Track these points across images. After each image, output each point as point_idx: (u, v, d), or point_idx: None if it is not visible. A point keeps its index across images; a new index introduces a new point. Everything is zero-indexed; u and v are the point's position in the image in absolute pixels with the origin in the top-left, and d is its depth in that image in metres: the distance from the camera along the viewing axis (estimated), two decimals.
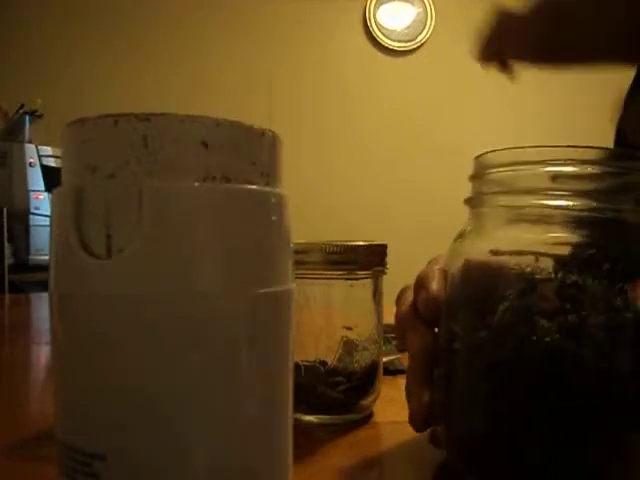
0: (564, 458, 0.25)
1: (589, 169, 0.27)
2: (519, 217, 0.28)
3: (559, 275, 0.25)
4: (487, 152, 0.29)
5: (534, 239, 0.27)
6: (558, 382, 0.25)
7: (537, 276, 0.26)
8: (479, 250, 0.28)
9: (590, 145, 0.26)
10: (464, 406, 0.28)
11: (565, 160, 0.27)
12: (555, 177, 0.27)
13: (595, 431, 0.25)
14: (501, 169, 0.28)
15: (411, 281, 0.33)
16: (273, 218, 0.20)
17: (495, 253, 0.27)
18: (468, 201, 0.30)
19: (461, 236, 0.30)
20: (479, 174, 0.30)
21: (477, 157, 0.30)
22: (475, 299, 0.28)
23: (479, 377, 0.27)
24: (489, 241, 0.28)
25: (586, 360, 0.25)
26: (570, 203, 0.26)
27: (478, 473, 0.28)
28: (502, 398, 0.26)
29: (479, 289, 0.28)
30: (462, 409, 0.28)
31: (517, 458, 0.26)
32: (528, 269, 0.26)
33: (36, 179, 1.83)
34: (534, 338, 0.25)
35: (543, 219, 0.27)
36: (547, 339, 0.25)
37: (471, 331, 0.27)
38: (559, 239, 0.27)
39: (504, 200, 0.28)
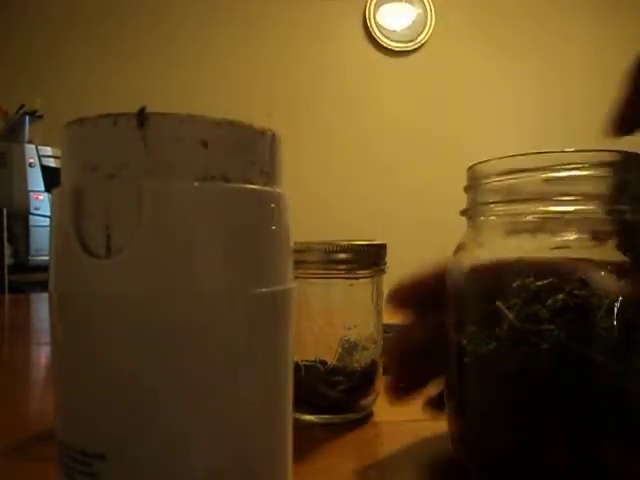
0: (585, 466, 0.25)
1: (584, 172, 0.27)
2: (517, 225, 0.27)
3: (562, 280, 0.25)
4: (480, 162, 0.29)
5: (534, 246, 0.27)
6: (572, 387, 0.25)
7: (539, 283, 0.26)
8: (480, 261, 0.28)
9: (584, 147, 0.26)
10: (479, 419, 0.28)
11: (560, 165, 0.26)
12: (551, 183, 0.27)
13: (613, 435, 0.25)
14: (496, 178, 0.28)
15: None
16: (273, 218, 0.20)
17: (496, 263, 0.27)
18: (465, 212, 0.30)
19: (460, 248, 0.30)
20: (474, 184, 0.30)
21: (470, 167, 0.30)
22: (481, 311, 0.28)
23: (491, 389, 0.27)
24: (489, 251, 0.28)
25: (598, 362, 0.25)
26: (568, 208, 0.26)
27: (496, 475, 0.28)
28: (516, 409, 0.26)
29: (484, 301, 0.28)
30: (477, 422, 0.28)
31: (537, 468, 0.26)
32: (530, 277, 0.26)
33: (36, 179, 1.83)
34: (544, 346, 0.25)
35: (542, 226, 0.27)
36: (556, 345, 0.25)
37: (480, 344, 0.27)
38: (559, 244, 0.27)
39: (501, 209, 0.28)
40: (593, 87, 2.51)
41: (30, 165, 1.83)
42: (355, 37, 2.49)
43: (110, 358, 0.18)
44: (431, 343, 0.30)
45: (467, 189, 0.30)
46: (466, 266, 0.29)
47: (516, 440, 0.26)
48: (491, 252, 0.28)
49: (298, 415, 0.36)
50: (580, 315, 0.25)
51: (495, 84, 2.53)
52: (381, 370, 0.40)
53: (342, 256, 0.37)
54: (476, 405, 0.28)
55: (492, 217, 0.29)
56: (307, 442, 0.33)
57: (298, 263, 0.36)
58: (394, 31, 2.50)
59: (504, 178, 0.28)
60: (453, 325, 0.29)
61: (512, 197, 0.28)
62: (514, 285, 0.26)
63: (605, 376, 0.25)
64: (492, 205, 0.28)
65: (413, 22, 2.51)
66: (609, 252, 0.26)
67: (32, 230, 1.79)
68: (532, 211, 0.27)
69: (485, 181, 0.29)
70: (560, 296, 0.25)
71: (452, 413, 0.30)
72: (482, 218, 0.29)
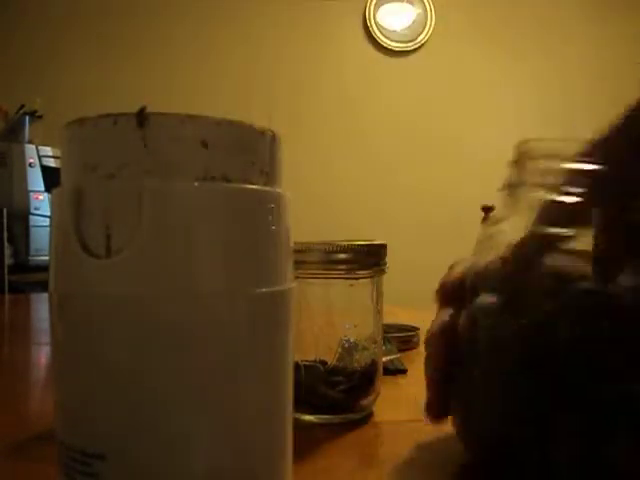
0: (592, 457, 0.25)
1: None
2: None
3: (594, 275, 0.25)
4: (533, 140, 0.28)
5: (572, 236, 0.26)
6: (589, 388, 0.25)
7: (572, 277, 0.25)
8: (513, 240, 0.28)
9: None
10: (485, 400, 0.28)
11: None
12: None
13: (627, 430, 0.25)
14: (544, 161, 0.27)
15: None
16: (273, 218, 0.20)
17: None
18: (505, 187, 0.29)
19: (494, 222, 0.29)
20: (521, 162, 0.29)
21: (521, 143, 0.29)
22: (505, 292, 0.27)
23: (503, 372, 0.27)
24: (522, 232, 0.27)
25: (620, 367, 0.24)
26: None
27: (499, 471, 0.27)
28: (525, 396, 0.26)
29: (510, 282, 0.27)
30: (483, 403, 0.28)
31: (542, 454, 0.25)
32: (563, 269, 0.25)
33: (36, 179, 1.83)
34: (566, 342, 0.25)
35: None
36: (580, 344, 0.24)
37: (498, 324, 0.27)
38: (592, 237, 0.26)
39: (543, 193, 0.27)
40: (593, 87, 2.51)
41: (30, 165, 1.83)
42: (355, 37, 2.49)
43: (110, 358, 0.18)
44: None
45: (513, 164, 0.29)
46: (497, 242, 0.28)
47: (523, 426, 0.26)
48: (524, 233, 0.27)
49: (298, 415, 0.36)
50: (608, 312, 0.24)
51: (495, 84, 2.53)
52: (381, 370, 0.40)
53: (342, 256, 0.37)
54: (486, 387, 0.28)
55: (532, 199, 0.28)
56: (307, 442, 0.33)
57: (298, 263, 0.36)
58: (394, 31, 2.50)
59: (551, 162, 0.27)
60: (473, 299, 0.29)
61: (554, 182, 0.27)
62: (544, 273, 0.26)
63: (611, 376, 0.25)
64: (534, 187, 0.27)
65: (413, 22, 2.51)
66: None
67: (32, 230, 1.79)
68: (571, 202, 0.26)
69: (532, 162, 0.28)
70: (588, 289, 0.25)
71: (460, 395, 0.29)
72: (522, 199, 0.28)
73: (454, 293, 0.31)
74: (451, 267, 0.33)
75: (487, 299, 0.28)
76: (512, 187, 0.29)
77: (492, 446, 0.28)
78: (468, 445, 0.30)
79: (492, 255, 0.28)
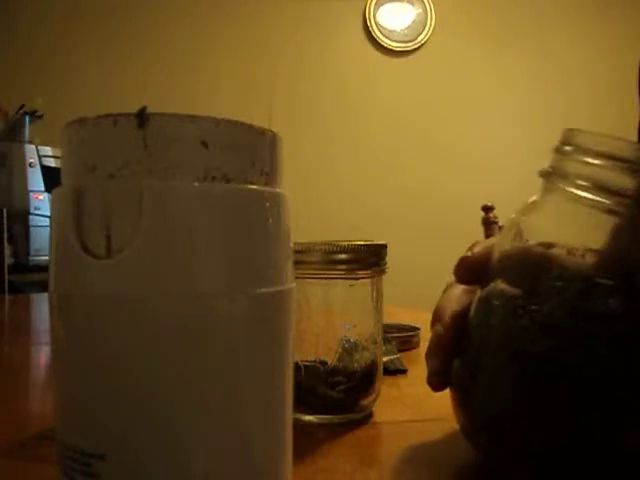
0: (599, 443, 0.25)
1: None
2: (592, 213, 0.25)
3: (617, 280, 0.24)
4: (581, 130, 0.26)
5: (603, 239, 0.25)
6: (596, 394, 0.24)
7: (596, 279, 0.25)
8: (541, 230, 0.27)
9: None
10: (488, 386, 0.28)
11: None
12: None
13: (629, 414, 0.24)
14: (590, 159, 0.25)
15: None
16: (273, 218, 0.20)
17: (548, 246, 0.26)
18: (545, 175, 0.28)
19: (527, 209, 0.29)
20: (566, 152, 0.27)
21: (568, 131, 0.27)
22: (523, 280, 0.27)
23: (508, 362, 0.27)
24: (553, 225, 0.27)
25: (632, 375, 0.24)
26: None
27: (503, 454, 0.27)
28: (530, 389, 0.26)
29: (530, 272, 0.27)
30: (486, 389, 0.28)
31: (544, 440, 0.25)
32: (586, 268, 0.25)
33: (36, 179, 1.83)
34: (581, 347, 0.24)
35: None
36: (594, 351, 0.24)
37: (512, 313, 0.26)
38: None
39: (584, 192, 0.25)
40: (594, 87, 2.51)
41: (30, 165, 1.83)
42: (355, 37, 2.49)
43: (110, 358, 0.18)
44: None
45: (556, 151, 0.28)
46: (526, 229, 0.28)
47: (527, 414, 0.26)
48: (554, 226, 0.27)
49: (298, 415, 0.36)
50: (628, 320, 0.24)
51: (495, 84, 2.53)
52: (381, 370, 0.40)
53: (342, 256, 0.37)
54: (490, 374, 0.28)
55: (571, 194, 0.26)
56: (307, 442, 0.33)
57: (298, 263, 0.36)
58: (394, 31, 2.50)
59: (598, 161, 0.25)
60: (490, 281, 0.28)
61: (598, 184, 0.25)
62: (566, 269, 0.25)
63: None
64: (575, 181, 0.26)
65: (413, 22, 2.51)
66: None
67: (32, 230, 1.79)
68: (608, 206, 0.25)
69: (578, 156, 0.26)
70: (608, 293, 0.24)
71: (464, 377, 0.29)
72: (562, 188, 0.27)
73: (473, 271, 0.31)
74: (471, 247, 0.33)
75: (507, 287, 0.27)
76: (551, 176, 0.27)
77: (494, 428, 0.27)
78: (466, 426, 0.30)
79: (517, 243, 0.28)
